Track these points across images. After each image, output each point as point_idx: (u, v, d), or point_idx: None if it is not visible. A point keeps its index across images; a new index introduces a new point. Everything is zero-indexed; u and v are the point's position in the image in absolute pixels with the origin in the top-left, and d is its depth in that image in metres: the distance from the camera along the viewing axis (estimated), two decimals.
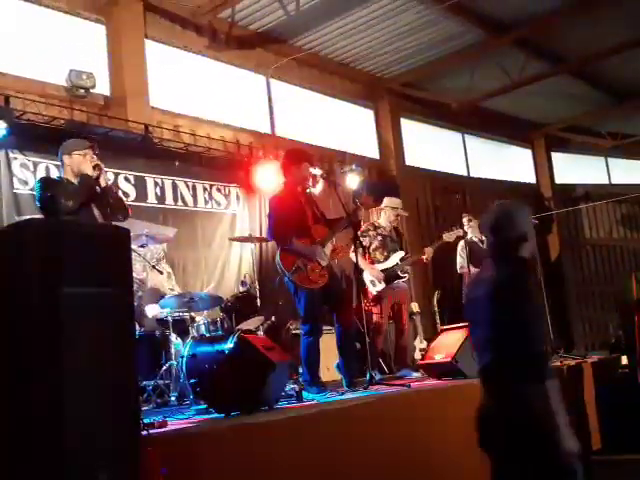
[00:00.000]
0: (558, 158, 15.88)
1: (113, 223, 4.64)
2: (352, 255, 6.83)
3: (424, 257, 7.39)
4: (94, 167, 4.60)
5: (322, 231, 5.64)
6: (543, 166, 15.67)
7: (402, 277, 7.25)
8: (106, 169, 7.49)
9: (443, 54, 11.28)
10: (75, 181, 4.63)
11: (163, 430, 3.45)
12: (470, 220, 8.14)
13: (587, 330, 15.08)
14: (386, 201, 7.57)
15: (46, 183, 4.61)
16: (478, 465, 4.78)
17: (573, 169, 15.93)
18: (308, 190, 5.89)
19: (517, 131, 15.10)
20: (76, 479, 2.27)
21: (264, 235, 9.07)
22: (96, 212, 4.58)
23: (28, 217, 6.35)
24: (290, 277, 5.38)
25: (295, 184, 5.75)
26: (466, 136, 14.28)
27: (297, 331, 7.51)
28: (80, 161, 4.62)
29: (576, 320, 14.98)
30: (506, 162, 15.06)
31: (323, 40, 10.61)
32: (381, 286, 7.12)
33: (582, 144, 15.99)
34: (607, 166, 16.33)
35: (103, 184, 4.65)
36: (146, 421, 3.47)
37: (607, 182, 16.23)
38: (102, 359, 2.47)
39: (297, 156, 5.84)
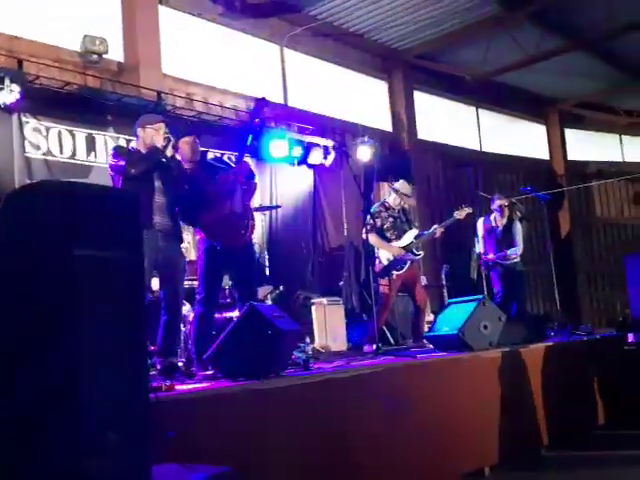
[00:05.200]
0: (572, 134, 15.77)
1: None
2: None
3: (436, 236, 7.45)
4: (164, 139, 4.87)
5: None
6: (556, 142, 15.57)
7: (417, 254, 7.28)
8: (118, 135, 7.57)
9: (458, 27, 11.17)
10: (144, 152, 4.91)
11: (171, 394, 3.49)
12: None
13: (595, 307, 15.10)
14: (398, 185, 7.52)
15: (118, 150, 4.95)
16: (482, 436, 4.86)
17: (586, 146, 15.82)
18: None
19: (531, 106, 14.98)
20: (88, 439, 2.32)
21: (274, 204, 9.14)
22: (157, 181, 4.83)
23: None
24: None
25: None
26: (480, 110, 14.18)
27: (306, 300, 7.57)
28: (152, 134, 4.90)
29: (584, 297, 14.99)
30: (519, 137, 14.96)
31: (338, 10, 10.51)
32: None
33: (596, 121, 15.86)
34: (621, 144, 16.20)
35: (169, 154, 4.88)
36: (154, 385, 3.53)
37: (620, 160, 16.13)
38: (114, 322, 2.49)
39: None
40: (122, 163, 4.75)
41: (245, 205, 5.17)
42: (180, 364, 5.60)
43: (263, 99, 5.30)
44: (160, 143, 4.85)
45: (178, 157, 5.20)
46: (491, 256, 8.11)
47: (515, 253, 8.11)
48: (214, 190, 5.05)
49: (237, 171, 5.15)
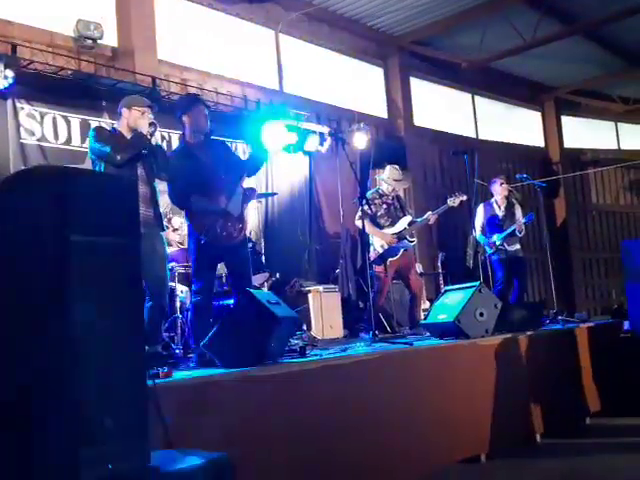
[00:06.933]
0: (568, 122, 15.76)
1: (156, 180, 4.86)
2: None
3: (430, 222, 7.44)
4: (150, 124, 4.74)
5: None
6: (552, 129, 15.56)
7: (411, 241, 7.27)
8: (112, 121, 7.52)
9: (455, 12, 11.10)
10: (128, 135, 4.75)
11: (168, 380, 3.48)
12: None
13: (590, 295, 15.14)
14: (384, 174, 7.48)
15: (99, 133, 4.76)
16: (478, 422, 4.87)
17: (582, 133, 15.82)
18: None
19: (527, 93, 14.96)
20: (84, 425, 2.31)
21: (270, 191, 9.10)
22: (140, 169, 4.71)
23: None
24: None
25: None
26: (476, 97, 14.15)
27: (302, 288, 7.56)
28: (137, 117, 4.76)
29: (579, 285, 15.03)
30: (515, 124, 14.95)
31: None
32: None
33: (592, 108, 15.85)
34: (617, 131, 16.21)
35: (153, 142, 4.75)
36: (151, 372, 3.51)
37: (616, 147, 16.13)
38: (110, 309, 2.48)
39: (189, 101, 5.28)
40: (107, 149, 4.58)
41: (242, 209, 5.08)
42: (178, 351, 5.62)
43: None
44: (145, 128, 4.71)
45: (188, 124, 5.04)
46: (496, 238, 8.04)
47: (529, 219, 8.06)
48: (216, 178, 4.95)
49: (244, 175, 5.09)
